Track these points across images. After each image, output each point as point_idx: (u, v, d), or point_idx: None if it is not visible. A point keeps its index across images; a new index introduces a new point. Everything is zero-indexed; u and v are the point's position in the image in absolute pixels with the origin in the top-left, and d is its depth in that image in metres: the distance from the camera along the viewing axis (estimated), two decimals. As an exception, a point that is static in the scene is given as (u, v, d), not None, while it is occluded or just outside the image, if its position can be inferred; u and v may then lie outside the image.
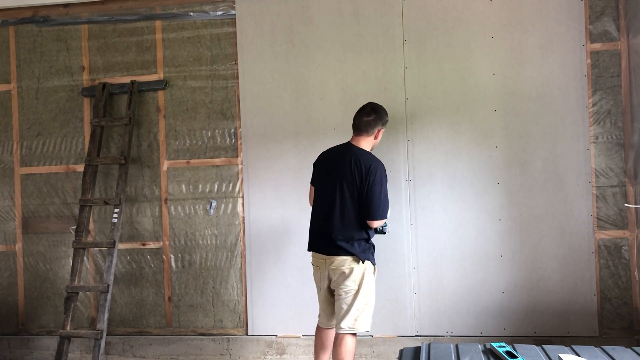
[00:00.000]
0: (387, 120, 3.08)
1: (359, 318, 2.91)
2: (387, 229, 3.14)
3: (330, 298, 3.05)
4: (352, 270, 2.88)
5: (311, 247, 3.07)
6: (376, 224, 2.91)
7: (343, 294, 2.91)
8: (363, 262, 2.89)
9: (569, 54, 3.50)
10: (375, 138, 3.04)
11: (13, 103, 4.12)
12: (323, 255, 2.97)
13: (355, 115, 3.05)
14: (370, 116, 2.98)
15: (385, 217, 2.91)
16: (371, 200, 2.84)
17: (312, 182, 3.18)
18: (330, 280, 2.99)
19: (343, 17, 3.74)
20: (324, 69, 3.76)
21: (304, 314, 3.76)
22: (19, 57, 4.11)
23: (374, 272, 2.99)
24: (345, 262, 2.88)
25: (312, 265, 3.15)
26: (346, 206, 2.90)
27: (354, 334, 2.93)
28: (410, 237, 3.64)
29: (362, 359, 3.64)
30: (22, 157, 4.10)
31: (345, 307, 2.91)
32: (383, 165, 2.93)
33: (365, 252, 2.91)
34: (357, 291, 2.89)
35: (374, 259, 2.97)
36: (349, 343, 2.90)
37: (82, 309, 4.01)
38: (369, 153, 2.98)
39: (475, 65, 3.60)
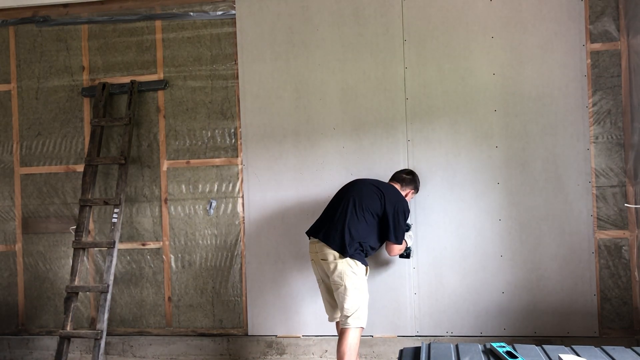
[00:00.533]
0: (418, 189, 3.49)
1: (354, 313, 3.01)
2: (412, 255, 3.54)
3: (328, 291, 3.20)
4: (336, 265, 3.02)
5: (311, 231, 3.21)
6: (395, 248, 3.20)
7: (334, 287, 3.07)
8: (344, 257, 3.01)
9: (569, 54, 3.50)
10: (406, 196, 3.33)
11: (13, 103, 4.12)
12: (316, 245, 3.12)
13: (395, 172, 3.45)
14: (408, 175, 3.42)
15: (400, 242, 3.19)
16: (396, 226, 3.13)
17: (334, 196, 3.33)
18: (325, 274, 3.14)
19: (343, 17, 3.74)
20: (324, 69, 3.76)
21: (303, 314, 3.76)
22: (19, 57, 4.11)
23: (366, 273, 3.14)
24: (329, 255, 3.04)
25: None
26: (359, 216, 3.08)
27: (357, 329, 3.02)
28: (411, 237, 3.64)
29: (362, 359, 3.63)
30: (22, 157, 4.10)
31: (339, 301, 3.05)
32: (408, 205, 3.29)
33: (353, 254, 3.03)
34: (345, 286, 3.01)
35: (362, 260, 3.08)
36: (349, 338, 3.00)
37: (82, 309, 4.01)
38: (400, 193, 3.29)
39: (475, 65, 3.60)
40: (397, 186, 3.34)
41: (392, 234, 3.13)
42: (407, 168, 3.56)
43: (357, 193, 3.16)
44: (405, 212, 3.19)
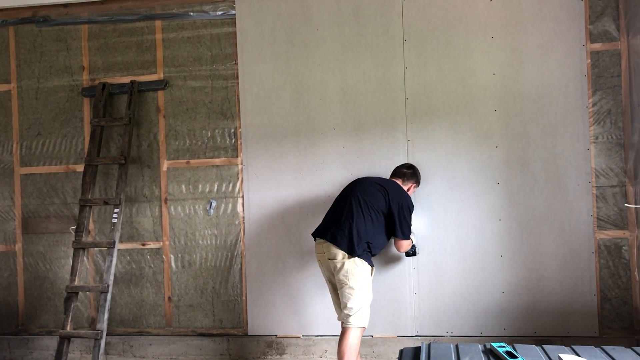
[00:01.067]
0: (419, 182, 3.52)
1: (356, 313, 3.01)
2: (417, 251, 3.56)
3: (336, 291, 3.19)
4: (342, 264, 3.03)
5: (318, 233, 3.22)
6: (403, 244, 3.25)
7: (339, 287, 3.08)
8: (352, 257, 3.03)
9: (569, 54, 3.50)
10: (408, 190, 3.38)
11: (13, 103, 4.12)
12: (323, 245, 3.12)
13: (395, 167, 3.47)
14: (409, 170, 3.45)
15: (408, 237, 3.24)
16: (403, 222, 3.18)
17: (337, 196, 3.35)
18: (332, 273, 3.14)
19: (343, 17, 3.74)
20: (324, 69, 3.76)
21: (303, 314, 3.76)
22: (19, 57, 4.11)
23: (371, 273, 3.14)
24: (338, 254, 3.05)
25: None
26: (365, 216, 3.11)
27: (358, 329, 3.02)
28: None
29: (362, 359, 3.63)
30: (22, 157, 4.10)
31: (342, 300, 3.06)
32: (411, 199, 3.31)
33: (360, 254, 3.05)
34: (349, 286, 3.02)
35: (369, 261, 3.09)
36: (350, 337, 3.00)
37: (82, 309, 4.01)
38: (402, 189, 3.33)
39: (475, 65, 3.60)
40: (399, 181, 3.37)
41: (399, 230, 3.17)
42: (407, 162, 3.57)
43: (361, 192, 3.18)
44: (410, 207, 3.23)
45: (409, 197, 3.27)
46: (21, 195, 4.09)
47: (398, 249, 3.32)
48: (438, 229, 3.62)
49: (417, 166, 3.58)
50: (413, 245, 3.43)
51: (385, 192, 3.18)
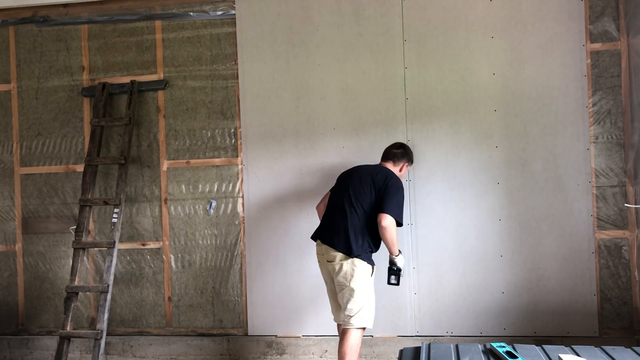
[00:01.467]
0: (412, 160, 3.42)
1: (356, 314, 2.99)
2: (403, 273, 3.16)
3: (334, 293, 3.16)
4: (341, 266, 3.01)
5: (316, 235, 3.20)
6: (386, 221, 2.93)
7: (338, 289, 3.05)
8: (351, 258, 2.99)
9: (569, 54, 3.50)
10: (400, 171, 3.31)
11: (13, 103, 4.12)
12: (322, 247, 3.10)
13: (385, 148, 3.37)
14: (399, 149, 3.34)
15: (398, 218, 2.98)
16: (386, 198, 2.99)
17: (332, 189, 3.31)
18: (330, 275, 3.12)
19: (343, 17, 3.74)
20: (324, 69, 3.76)
21: (303, 314, 3.76)
22: (19, 57, 4.11)
23: (371, 273, 3.09)
24: (336, 256, 3.02)
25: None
26: (359, 213, 3.05)
27: (359, 330, 3.00)
28: (410, 237, 3.64)
29: (362, 359, 3.63)
30: (22, 157, 4.10)
31: (342, 301, 3.03)
32: (401, 181, 3.15)
33: (360, 254, 3.01)
34: (349, 287, 2.99)
35: (369, 260, 3.05)
36: (351, 338, 2.98)
37: (82, 309, 4.01)
38: (390, 170, 3.21)
39: (475, 65, 3.60)
40: (390, 164, 3.29)
41: (387, 204, 2.96)
42: (397, 142, 3.47)
43: (353, 189, 3.11)
44: (398, 185, 3.07)
45: (397, 178, 3.13)
46: (21, 195, 4.09)
47: (382, 234, 2.97)
48: (438, 229, 3.62)
49: (417, 166, 3.58)
50: (399, 269, 3.11)
51: (372, 182, 3.08)
